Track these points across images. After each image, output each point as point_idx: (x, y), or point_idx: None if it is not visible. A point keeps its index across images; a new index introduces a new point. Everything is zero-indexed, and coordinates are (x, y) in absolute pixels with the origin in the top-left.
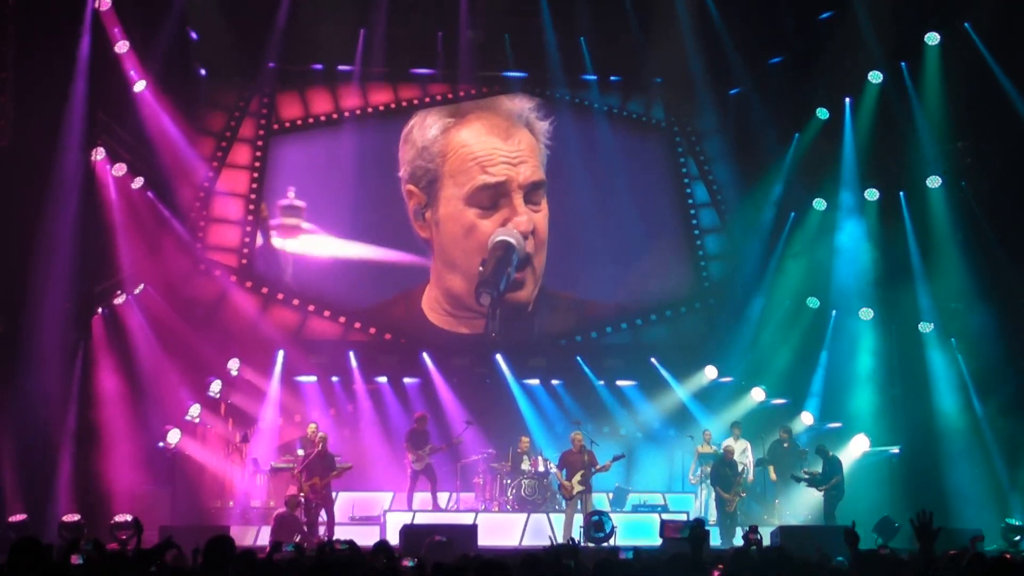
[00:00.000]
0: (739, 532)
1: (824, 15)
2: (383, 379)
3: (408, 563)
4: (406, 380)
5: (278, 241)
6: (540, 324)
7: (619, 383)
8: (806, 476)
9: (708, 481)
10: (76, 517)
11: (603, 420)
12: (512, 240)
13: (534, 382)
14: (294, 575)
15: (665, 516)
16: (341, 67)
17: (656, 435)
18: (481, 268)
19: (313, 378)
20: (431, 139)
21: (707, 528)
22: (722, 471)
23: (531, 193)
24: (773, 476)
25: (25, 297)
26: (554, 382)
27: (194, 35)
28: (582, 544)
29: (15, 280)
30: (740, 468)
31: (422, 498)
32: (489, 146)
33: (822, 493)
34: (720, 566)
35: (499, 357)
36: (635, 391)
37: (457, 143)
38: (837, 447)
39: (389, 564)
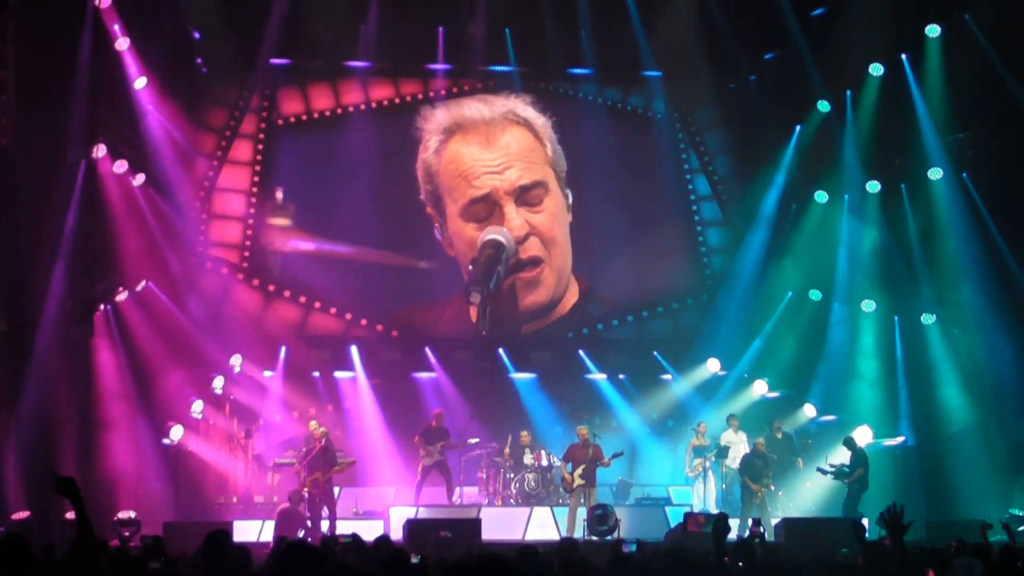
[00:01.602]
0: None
1: (816, 12)
2: (385, 374)
3: (414, 560)
4: (409, 375)
5: (270, 239)
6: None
7: (621, 376)
8: (831, 469)
9: (705, 474)
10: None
11: (605, 414)
12: (501, 238)
13: (536, 376)
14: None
15: (673, 511)
16: (342, 62)
17: (659, 428)
18: (471, 267)
19: (316, 373)
20: (429, 159)
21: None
22: (753, 462)
23: (524, 195)
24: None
25: (27, 295)
26: (557, 375)
27: (196, 35)
28: (585, 538)
29: (17, 278)
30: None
31: (428, 492)
32: (472, 158)
33: (846, 485)
34: (726, 559)
35: (501, 351)
36: (637, 384)
37: (447, 159)
38: (839, 439)
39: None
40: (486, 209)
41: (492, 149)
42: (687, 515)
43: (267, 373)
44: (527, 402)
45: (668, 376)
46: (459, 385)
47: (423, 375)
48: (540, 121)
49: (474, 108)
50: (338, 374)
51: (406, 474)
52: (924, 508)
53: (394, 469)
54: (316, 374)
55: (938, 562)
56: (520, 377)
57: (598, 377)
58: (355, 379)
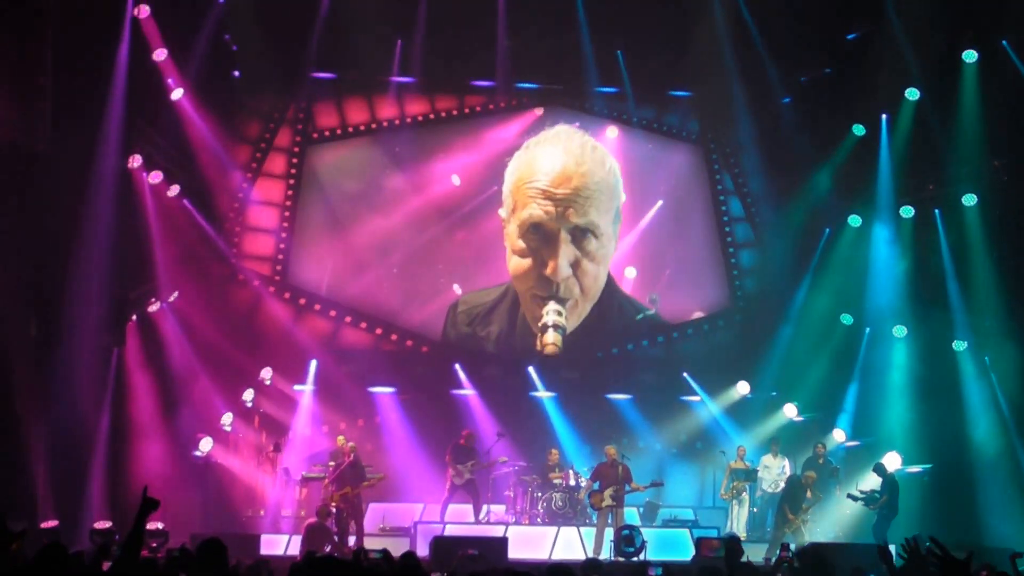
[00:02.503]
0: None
1: (850, 36)
2: (415, 390)
3: None
4: (439, 391)
5: (303, 253)
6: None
7: (650, 396)
8: (862, 495)
9: (740, 497)
10: (107, 523)
11: (633, 434)
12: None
13: (556, 395)
14: None
15: (700, 533)
16: (378, 77)
17: (687, 450)
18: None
19: (345, 388)
20: (513, 161)
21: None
22: (797, 493)
23: (579, 236)
24: (809, 494)
25: (59, 302)
26: (582, 394)
27: (234, 47)
28: (612, 559)
29: (50, 284)
30: (810, 496)
31: (455, 510)
32: (543, 177)
33: (874, 511)
34: None
35: (531, 369)
36: (665, 405)
37: (524, 163)
38: (868, 464)
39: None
40: (539, 240)
41: (564, 182)
42: (700, 540)
43: (297, 387)
44: (555, 421)
45: (696, 397)
46: (488, 402)
47: (461, 392)
48: (613, 163)
49: (562, 133)
50: (368, 388)
51: (434, 491)
52: (952, 534)
53: (422, 485)
54: (346, 388)
55: None
56: (542, 396)
57: (622, 397)
58: (384, 394)
